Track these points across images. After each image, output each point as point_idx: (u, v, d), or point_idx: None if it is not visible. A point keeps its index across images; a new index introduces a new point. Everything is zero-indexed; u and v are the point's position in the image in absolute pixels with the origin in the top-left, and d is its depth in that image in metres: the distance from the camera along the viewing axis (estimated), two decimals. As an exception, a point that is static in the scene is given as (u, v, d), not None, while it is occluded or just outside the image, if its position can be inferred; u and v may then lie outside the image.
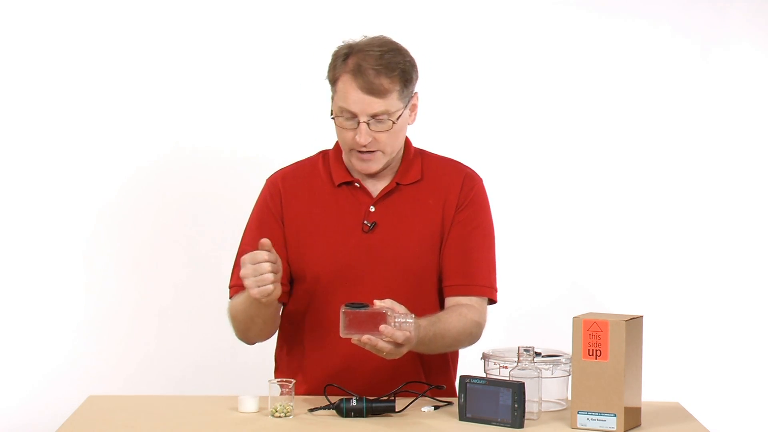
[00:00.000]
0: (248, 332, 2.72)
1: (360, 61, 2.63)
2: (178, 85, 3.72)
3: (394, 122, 2.65)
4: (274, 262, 2.50)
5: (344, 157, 2.74)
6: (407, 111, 2.69)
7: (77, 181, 3.70)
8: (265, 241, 2.50)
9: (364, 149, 2.66)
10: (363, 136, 2.63)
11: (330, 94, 2.71)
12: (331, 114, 2.69)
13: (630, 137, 3.87)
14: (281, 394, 2.47)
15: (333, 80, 2.68)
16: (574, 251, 3.87)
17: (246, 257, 2.51)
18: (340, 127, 2.67)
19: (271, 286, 2.49)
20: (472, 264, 2.74)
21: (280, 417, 2.46)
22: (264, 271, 2.48)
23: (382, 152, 2.68)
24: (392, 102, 2.64)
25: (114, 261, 3.72)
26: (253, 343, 2.78)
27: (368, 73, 2.61)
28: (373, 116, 2.63)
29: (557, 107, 3.85)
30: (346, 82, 2.63)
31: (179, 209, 3.73)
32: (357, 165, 2.70)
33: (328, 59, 2.70)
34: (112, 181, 3.71)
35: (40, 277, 3.69)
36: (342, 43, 2.69)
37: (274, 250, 2.51)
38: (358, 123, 2.63)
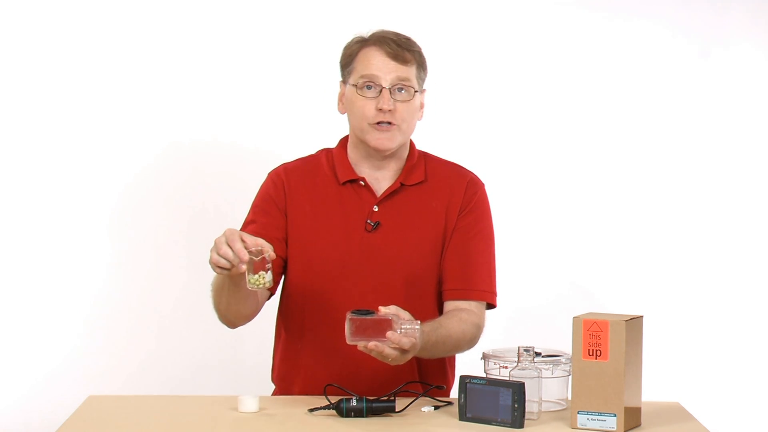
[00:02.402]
0: (219, 305, 2.67)
1: (381, 36, 2.69)
2: (178, 85, 3.72)
3: (416, 90, 2.68)
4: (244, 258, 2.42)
5: (355, 143, 2.73)
6: (420, 98, 2.72)
7: (77, 181, 3.70)
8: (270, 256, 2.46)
9: (383, 120, 2.66)
10: (386, 101, 2.65)
11: (338, 89, 2.73)
12: (354, 85, 2.67)
13: (630, 137, 3.87)
14: (253, 269, 2.42)
15: (351, 57, 2.71)
16: (575, 251, 3.87)
17: (234, 233, 2.44)
18: (361, 97, 2.67)
19: (223, 261, 2.43)
20: (472, 269, 2.74)
21: (259, 287, 2.44)
22: (226, 253, 2.42)
23: (399, 127, 2.68)
24: (412, 76, 2.68)
25: (114, 261, 3.72)
26: (232, 325, 2.73)
27: (391, 44, 2.67)
28: (396, 84, 2.65)
29: (557, 107, 3.85)
30: (369, 51, 2.68)
31: (179, 209, 3.73)
32: (374, 140, 2.69)
33: (329, 55, 2.71)
34: (111, 181, 3.71)
35: (41, 277, 3.69)
36: (353, 37, 2.74)
37: (267, 256, 2.45)
38: (380, 91, 2.65)
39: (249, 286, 2.45)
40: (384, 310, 2.43)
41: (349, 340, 2.42)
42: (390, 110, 2.65)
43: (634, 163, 3.88)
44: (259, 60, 3.75)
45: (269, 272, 2.46)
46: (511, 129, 3.84)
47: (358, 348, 2.43)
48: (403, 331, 2.42)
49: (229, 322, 2.73)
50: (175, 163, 3.73)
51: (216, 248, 2.45)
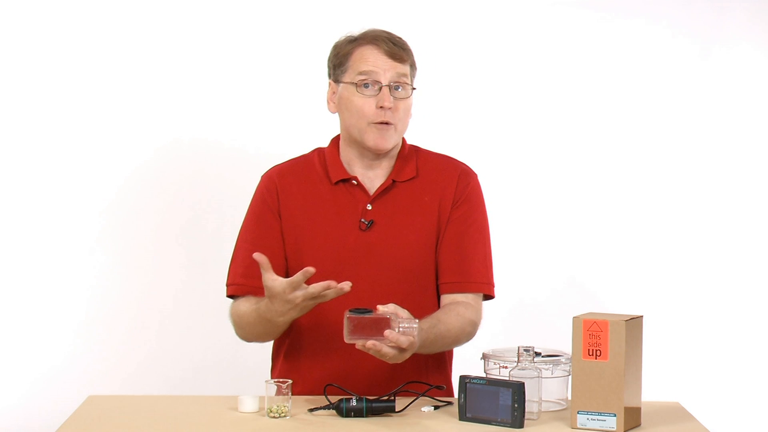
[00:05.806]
0: (249, 338, 2.74)
1: (375, 35, 2.70)
2: (179, 83, 3.72)
3: (414, 88, 2.70)
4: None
5: (348, 142, 2.73)
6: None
7: (76, 180, 3.70)
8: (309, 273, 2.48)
9: (383, 119, 2.67)
10: (387, 99, 2.66)
11: (327, 88, 2.74)
12: (352, 84, 2.68)
13: (630, 137, 3.87)
14: (277, 394, 2.47)
15: (345, 56, 2.71)
16: (574, 250, 3.87)
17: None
18: (359, 95, 2.68)
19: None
20: (467, 261, 2.74)
21: (275, 417, 2.46)
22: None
23: (395, 127, 2.69)
24: (408, 73, 2.71)
25: (114, 261, 3.72)
26: (248, 342, 2.79)
27: (387, 42, 2.68)
28: (395, 81, 2.67)
29: (556, 106, 3.85)
30: (366, 50, 2.69)
31: (179, 209, 3.73)
32: (372, 139, 2.69)
33: (327, 54, 2.72)
34: (111, 180, 3.71)
35: (40, 276, 3.69)
36: (343, 36, 2.74)
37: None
38: (380, 89, 2.66)
39: (268, 414, 2.46)
40: (382, 309, 2.42)
41: (347, 339, 2.42)
42: (390, 108, 2.66)
43: (634, 162, 3.88)
44: (259, 60, 3.74)
45: (290, 401, 2.47)
46: (511, 128, 3.84)
47: (356, 346, 2.42)
48: (401, 330, 2.42)
49: (248, 342, 2.77)
50: (175, 162, 3.73)
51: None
